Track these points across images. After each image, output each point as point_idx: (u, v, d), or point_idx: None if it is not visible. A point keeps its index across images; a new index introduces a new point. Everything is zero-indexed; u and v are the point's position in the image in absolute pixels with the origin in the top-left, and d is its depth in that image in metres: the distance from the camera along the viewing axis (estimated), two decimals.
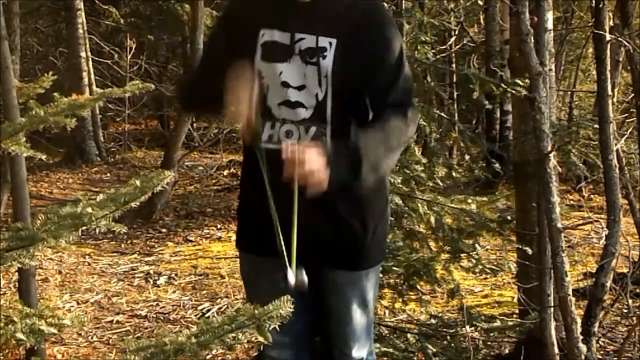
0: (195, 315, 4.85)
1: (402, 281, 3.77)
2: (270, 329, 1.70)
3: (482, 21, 8.85)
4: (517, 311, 4.09)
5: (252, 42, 2.31)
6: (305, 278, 2.14)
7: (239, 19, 2.37)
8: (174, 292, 5.32)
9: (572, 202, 7.54)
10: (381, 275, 3.61)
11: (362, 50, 2.26)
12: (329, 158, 2.07)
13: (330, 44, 2.26)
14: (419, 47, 4.07)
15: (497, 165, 4.40)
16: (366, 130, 2.19)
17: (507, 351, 3.98)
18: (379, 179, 2.34)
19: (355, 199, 2.32)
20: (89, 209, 1.75)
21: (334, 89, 2.26)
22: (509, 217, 3.83)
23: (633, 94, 4.99)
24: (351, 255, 2.38)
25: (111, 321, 4.78)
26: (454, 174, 3.91)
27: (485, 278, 5.04)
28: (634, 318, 3.90)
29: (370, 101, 2.29)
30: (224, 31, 2.40)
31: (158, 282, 5.54)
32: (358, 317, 2.44)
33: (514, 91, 3.42)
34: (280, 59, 2.28)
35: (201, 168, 9.82)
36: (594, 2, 3.67)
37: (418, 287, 3.84)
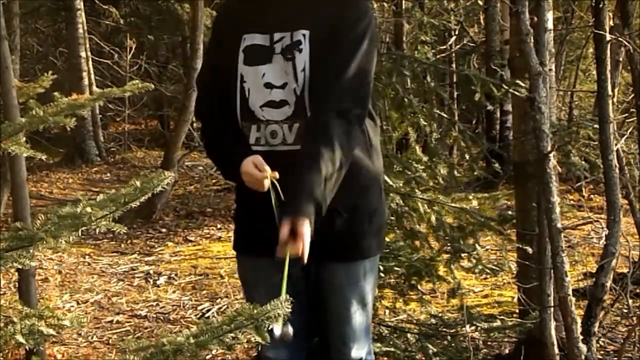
0: (195, 315, 4.85)
1: (402, 281, 3.77)
2: (269, 329, 1.70)
3: (482, 21, 8.85)
4: (517, 311, 4.09)
5: (236, 49, 2.33)
6: (291, 330, 2.17)
7: (223, 33, 2.41)
8: (174, 292, 5.32)
9: (572, 202, 7.54)
10: (382, 275, 3.61)
11: (327, 37, 2.25)
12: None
13: (304, 35, 2.27)
14: (419, 47, 4.07)
15: (496, 165, 4.39)
16: (298, 177, 2.14)
17: (507, 351, 3.98)
18: (369, 174, 2.37)
19: (346, 191, 2.31)
20: (89, 209, 1.75)
21: (310, 81, 2.27)
22: (509, 214, 3.83)
23: (633, 94, 4.99)
24: (345, 244, 2.37)
25: (111, 321, 4.78)
26: (455, 172, 3.92)
27: (485, 278, 5.04)
28: (634, 318, 3.90)
29: (313, 95, 2.26)
30: (215, 54, 2.45)
31: (158, 282, 5.54)
32: (357, 317, 2.43)
33: (515, 92, 3.42)
34: (262, 61, 2.31)
35: (201, 168, 9.82)
36: (594, 2, 3.67)
37: (419, 287, 3.84)
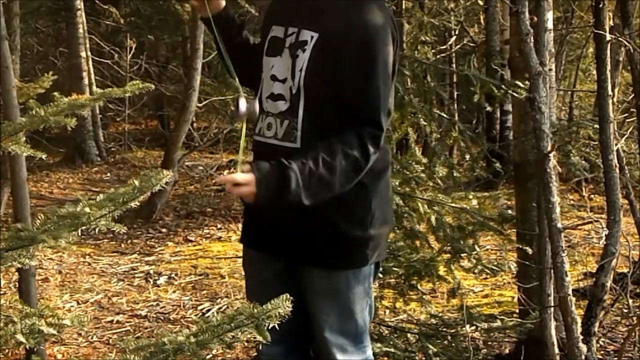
0: (195, 315, 4.85)
1: (402, 281, 3.77)
2: (269, 327, 1.70)
3: (482, 21, 8.84)
4: (517, 311, 4.09)
5: (264, 39, 2.40)
6: (257, 106, 2.18)
7: (264, 20, 2.47)
8: (174, 292, 5.32)
9: (572, 202, 7.54)
10: (382, 275, 3.61)
11: (337, 51, 2.25)
12: (257, 177, 2.13)
13: (312, 37, 2.28)
14: (419, 47, 4.07)
15: (497, 165, 4.39)
16: (308, 156, 2.18)
17: (507, 351, 3.98)
18: (355, 186, 2.30)
19: (328, 200, 2.28)
20: (88, 209, 1.75)
21: (305, 83, 2.28)
22: (509, 214, 3.83)
23: (633, 94, 4.99)
24: (325, 252, 2.35)
25: (111, 321, 4.78)
26: (454, 173, 3.91)
27: (485, 278, 5.04)
28: (634, 318, 3.90)
29: (340, 113, 2.26)
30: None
31: (158, 282, 5.54)
32: (340, 325, 2.41)
33: (514, 93, 3.42)
34: (274, 53, 2.35)
35: (201, 168, 9.82)
36: (594, 2, 3.67)
37: (419, 287, 3.84)
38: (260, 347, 2.43)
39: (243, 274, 2.69)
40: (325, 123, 2.27)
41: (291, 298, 1.79)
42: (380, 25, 2.28)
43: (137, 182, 1.82)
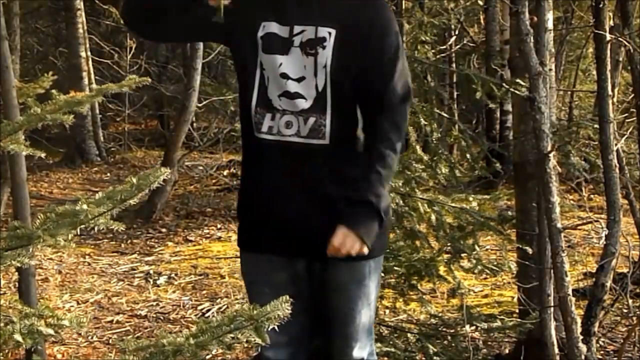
0: (195, 315, 4.85)
1: (402, 281, 3.77)
2: (269, 329, 1.70)
3: (482, 21, 8.84)
4: (517, 311, 4.09)
5: (253, 34, 2.35)
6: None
7: (239, 9, 2.36)
8: (174, 292, 5.32)
9: (572, 202, 7.53)
10: (382, 275, 3.60)
11: (358, 42, 2.29)
12: (356, 230, 2.29)
13: (330, 33, 2.29)
14: (419, 47, 4.07)
15: (497, 165, 4.39)
16: (366, 177, 2.31)
17: (507, 351, 3.98)
18: (381, 178, 2.38)
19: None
20: (86, 207, 1.75)
21: (332, 79, 2.29)
22: (509, 214, 3.83)
23: (633, 94, 4.99)
24: None
25: (111, 321, 4.78)
26: (456, 172, 3.91)
27: (485, 278, 5.04)
28: (634, 318, 3.90)
29: (362, 102, 2.34)
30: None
31: (158, 282, 5.54)
32: (361, 317, 2.44)
33: (515, 91, 3.42)
34: (279, 51, 2.32)
35: (201, 168, 9.82)
36: (594, 2, 3.67)
37: (419, 287, 3.84)
38: (266, 352, 2.42)
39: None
40: (353, 116, 2.34)
41: (297, 299, 1.80)
42: (392, 18, 2.37)
43: (135, 180, 1.82)
